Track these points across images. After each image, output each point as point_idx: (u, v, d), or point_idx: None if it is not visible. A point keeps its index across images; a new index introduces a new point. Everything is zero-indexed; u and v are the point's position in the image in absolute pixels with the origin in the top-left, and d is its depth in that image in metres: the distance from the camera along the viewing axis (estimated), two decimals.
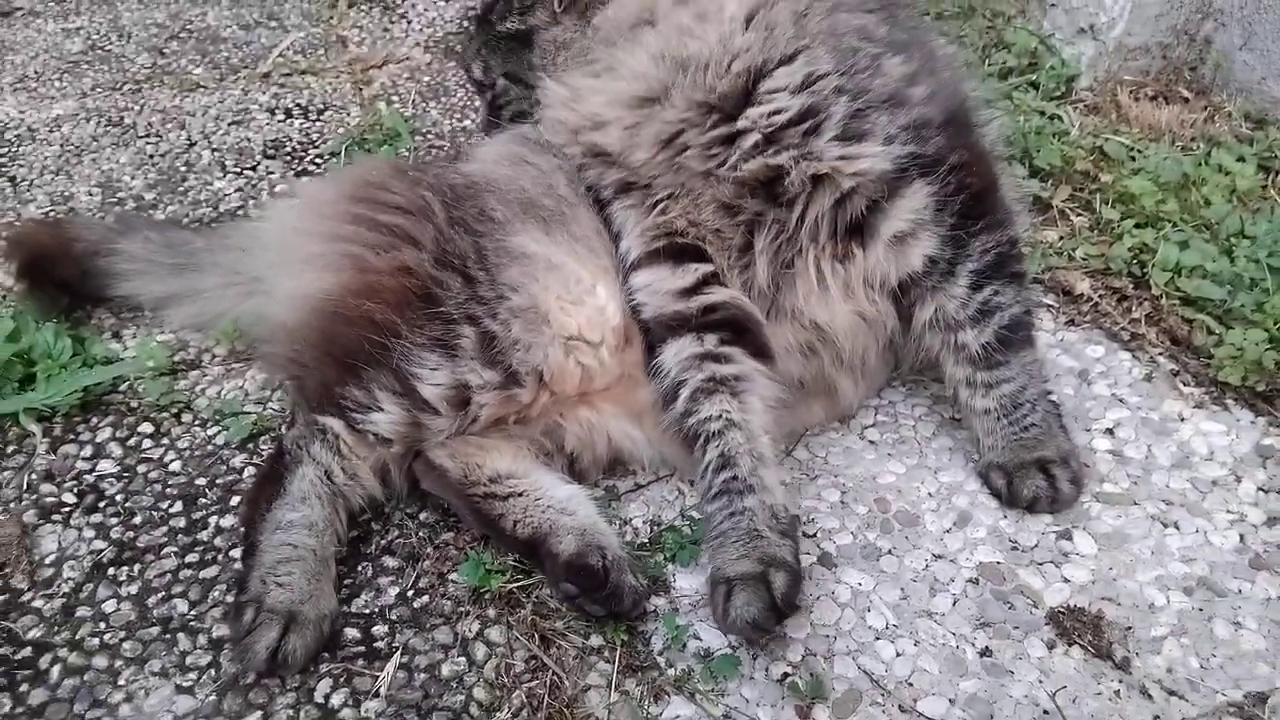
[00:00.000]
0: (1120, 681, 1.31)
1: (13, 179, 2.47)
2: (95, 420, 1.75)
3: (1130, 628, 1.38)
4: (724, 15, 1.50)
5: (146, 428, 1.74)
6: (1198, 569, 1.46)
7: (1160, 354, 1.85)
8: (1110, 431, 1.70)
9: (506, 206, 1.55)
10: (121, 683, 1.33)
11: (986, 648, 1.37)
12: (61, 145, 2.62)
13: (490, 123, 1.88)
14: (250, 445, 1.69)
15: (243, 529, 1.45)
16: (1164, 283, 1.94)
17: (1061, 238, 2.11)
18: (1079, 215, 2.18)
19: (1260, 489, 1.59)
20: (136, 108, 2.81)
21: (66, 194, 2.41)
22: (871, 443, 1.71)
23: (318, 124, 2.72)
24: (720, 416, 1.48)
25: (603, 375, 1.53)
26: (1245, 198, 2.17)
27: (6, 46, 3.18)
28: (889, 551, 1.52)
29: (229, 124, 2.72)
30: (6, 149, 2.60)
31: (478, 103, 2.78)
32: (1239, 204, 2.15)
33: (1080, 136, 2.42)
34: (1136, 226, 2.08)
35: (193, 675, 1.33)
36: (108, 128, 2.70)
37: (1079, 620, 1.39)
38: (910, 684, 1.33)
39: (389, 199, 1.59)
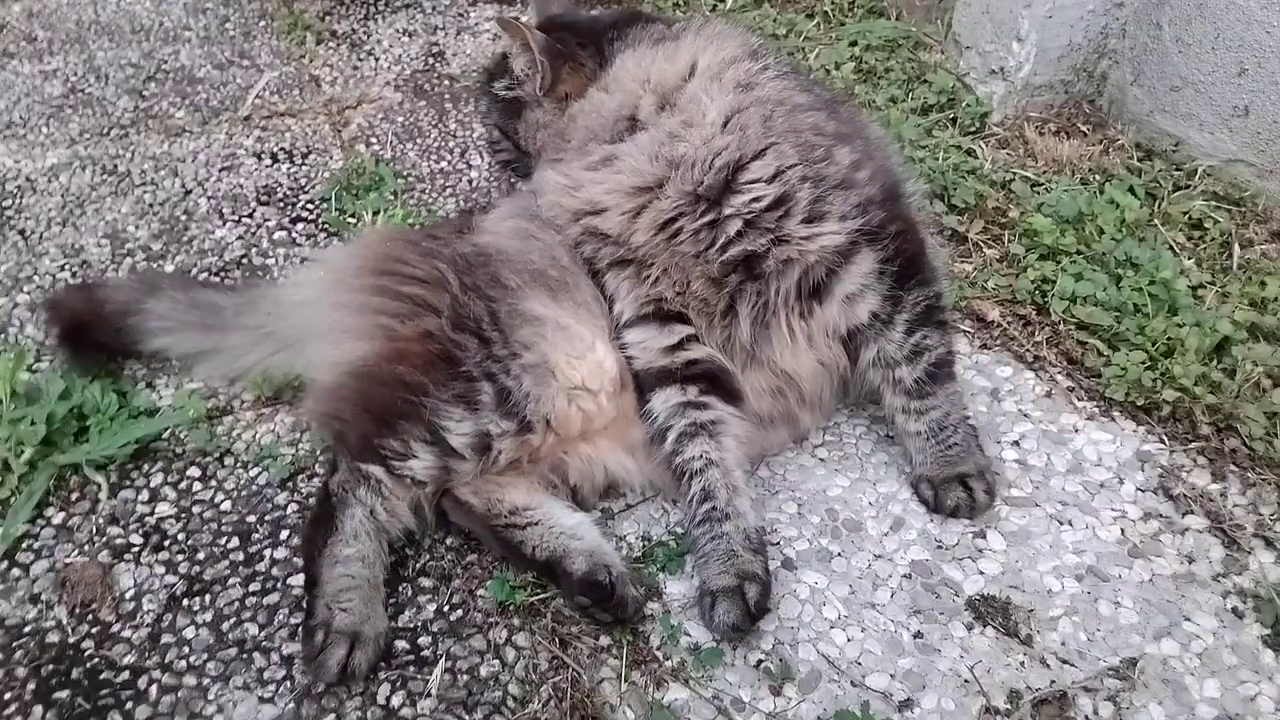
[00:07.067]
0: (1025, 655, 1.65)
1: (22, 232, 2.66)
2: (146, 467, 1.98)
3: (1032, 610, 1.72)
4: (705, 120, 1.80)
5: (194, 471, 1.98)
6: (1087, 559, 1.81)
7: (1059, 373, 2.19)
8: (1017, 443, 2.04)
9: (518, 275, 1.83)
10: (211, 697, 1.59)
11: (918, 631, 1.70)
12: (63, 195, 2.80)
13: (500, 162, 2.20)
14: (290, 483, 1.95)
15: (303, 563, 1.71)
16: (1062, 310, 2.28)
17: (976, 269, 2.44)
18: (990, 248, 2.51)
19: (1139, 489, 1.94)
20: (128, 155, 2.99)
21: (76, 246, 2.60)
22: (821, 460, 2.03)
23: (304, 168, 2.93)
24: (701, 456, 1.78)
25: (601, 417, 1.82)
26: (1134, 227, 2.52)
27: None
28: (838, 554, 1.83)
29: (219, 170, 2.92)
30: (10, 201, 2.77)
31: (451, 144, 3.04)
32: (1128, 233, 2.50)
33: (992, 171, 2.76)
34: (1039, 259, 2.42)
35: (271, 688, 1.60)
36: (104, 176, 2.88)
37: (991, 605, 1.73)
38: (859, 664, 1.65)
39: (408, 271, 1.85)
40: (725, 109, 1.80)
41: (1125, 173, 2.73)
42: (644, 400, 1.84)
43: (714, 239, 1.79)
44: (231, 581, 1.77)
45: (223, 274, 2.50)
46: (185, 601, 1.73)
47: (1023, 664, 1.64)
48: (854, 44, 3.39)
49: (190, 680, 1.61)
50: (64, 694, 1.59)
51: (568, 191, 1.86)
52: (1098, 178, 2.73)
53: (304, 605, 1.66)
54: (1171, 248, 2.44)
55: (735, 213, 1.77)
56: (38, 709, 1.56)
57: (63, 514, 1.88)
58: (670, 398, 1.82)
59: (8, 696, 1.58)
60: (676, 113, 1.81)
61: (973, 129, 2.96)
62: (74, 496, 1.92)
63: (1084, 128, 2.95)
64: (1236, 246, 2.44)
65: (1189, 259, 2.43)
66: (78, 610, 1.71)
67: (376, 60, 3.51)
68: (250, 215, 2.73)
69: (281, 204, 2.77)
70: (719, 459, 1.78)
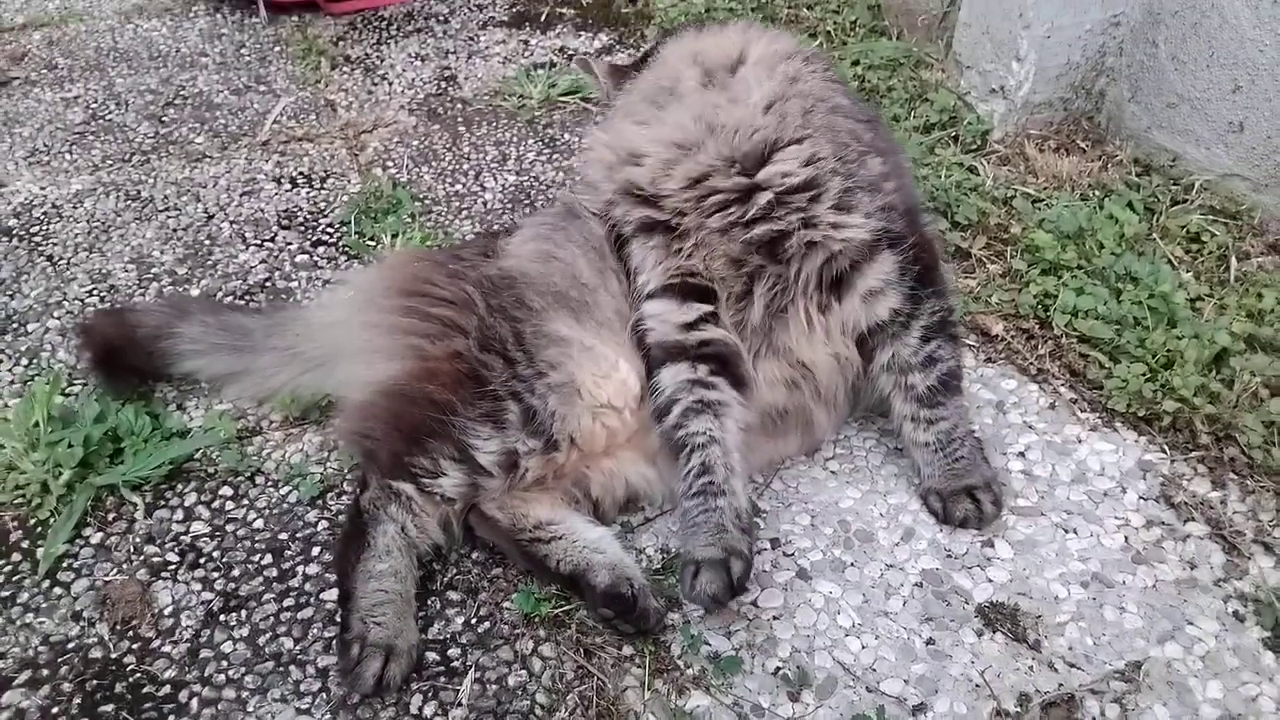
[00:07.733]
0: (1033, 659, 1.71)
1: (50, 258, 2.73)
2: (180, 487, 2.04)
3: (1040, 616, 1.78)
4: (750, 101, 1.93)
5: (226, 490, 2.04)
6: (1091, 566, 1.87)
7: (1062, 385, 2.26)
8: (1022, 454, 2.10)
9: (541, 297, 1.90)
10: (250, 709, 1.65)
11: (930, 638, 1.76)
12: (88, 221, 2.87)
13: None
14: (320, 501, 2.01)
15: (336, 579, 1.78)
16: (1064, 324, 2.35)
17: (979, 285, 2.51)
18: (994, 263, 2.58)
19: (1141, 497, 2.00)
20: (150, 180, 3.06)
21: (104, 271, 2.67)
22: (833, 472, 2.09)
23: (323, 192, 3.00)
24: (705, 432, 1.83)
25: (624, 431, 1.89)
26: (1133, 241, 2.59)
27: (11, 118, 3.40)
28: (851, 564, 1.89)
29: (240, 194, 2.99)
30: (38, 227, 2.85)
31: (466, 167, 3.11)
32: (1128, 248, 2.56)
33: (994, 188, 2.82)
34: (1041, 274, 2.48)
35: (308, 700, 1.66)
36: (128, 202, 2.96)
37: (1000, 612, 1.79)
38: (874, 670, 1.71)
39: (436, 292, 1.92)
40: (769, 94, 1.92)
41: (1124, 188, 2.80)
42: (651, 375, 1.89)
43: (743, 213, 1.87)
44: (266, 597, 1.83)
45: (247, 297, 2.57)
46: (222, 617, 1.80)
47: (1031, 668, 1.70)
48: (856, 63, 3.47)
49: (229, 693, 1.67)
50: (108, 708, 1.65)
51: (609, 145, 1.99)
52: (1097, 193, 2.79)
53: (338, 619, 1.73)
54: (1170, 261, 2.51)
55: (767, 182, 1.86)
56: None
57: (101, 533, 1.95)
58: (680, 373, 1.87)
59: (55, 711, 1.65)
60: (723, 91, 1.95)
61: (974, 146, 3.02)
62: (111, 516, 1.98)
63: (1083, 144, 3.02)
64: (1233, 259, 2.51)
65: (1187, 272, 2.49)
66: (119, 627, 1.77)
67: (390, 84, 3.59)
68: (272, 239, 2.80)
69: (302, 228, 2.85)
70: (720, 438, 1.82)
